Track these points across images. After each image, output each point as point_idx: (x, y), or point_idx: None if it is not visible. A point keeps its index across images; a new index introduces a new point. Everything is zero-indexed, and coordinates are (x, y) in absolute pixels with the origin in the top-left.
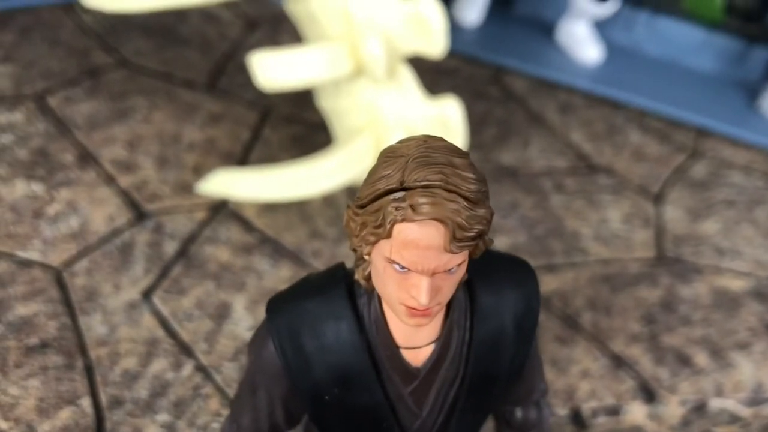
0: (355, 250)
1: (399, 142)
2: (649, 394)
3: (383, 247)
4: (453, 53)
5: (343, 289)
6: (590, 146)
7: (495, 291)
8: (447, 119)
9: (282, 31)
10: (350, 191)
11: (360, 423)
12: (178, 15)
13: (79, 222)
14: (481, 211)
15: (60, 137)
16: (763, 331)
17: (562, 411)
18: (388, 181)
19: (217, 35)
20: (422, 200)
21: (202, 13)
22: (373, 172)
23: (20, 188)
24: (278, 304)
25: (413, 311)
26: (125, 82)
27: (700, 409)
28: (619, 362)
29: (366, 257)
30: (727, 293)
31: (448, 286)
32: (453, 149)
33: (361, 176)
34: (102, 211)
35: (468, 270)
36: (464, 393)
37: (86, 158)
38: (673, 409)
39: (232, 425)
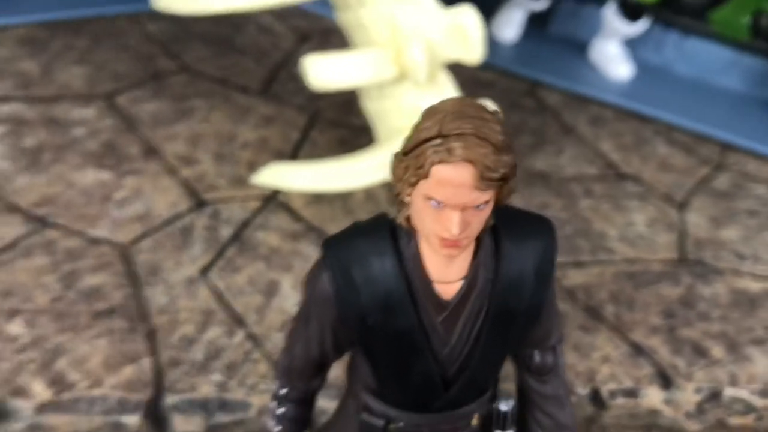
0: (398, 195)
1: (438, 102)
2: (665, 380)
3: (422, 187)
4: (491, 67)
5: (387, 231)
6: (619, 156)
7: (518, 239)
8: None
9: (331, 43)
10: (390, 187)
11: (398, 346)
12: (235, 26)
13: (143, 206)
14: (506, 158)
15: (127, 132)
16: None
17: (582, 391)
18: (429, 131)
19: (271, 46)
20: (456, 145)
21: (257, 25)
22: (416, 126)
23: (91, 175)
24: (332, 243)
25: (446, 242)
26: (186, 85)
27: (714, 397)
28: (638, 350)
29: (407, 199)
30: (745, 294)
31: (476, 222)
32: (484, 107)
33: None
34: (165, 198)
35: (495, 220)
36: (488, 326)
37: (151, 152)
38: (689, 395)
39: (286, 357)
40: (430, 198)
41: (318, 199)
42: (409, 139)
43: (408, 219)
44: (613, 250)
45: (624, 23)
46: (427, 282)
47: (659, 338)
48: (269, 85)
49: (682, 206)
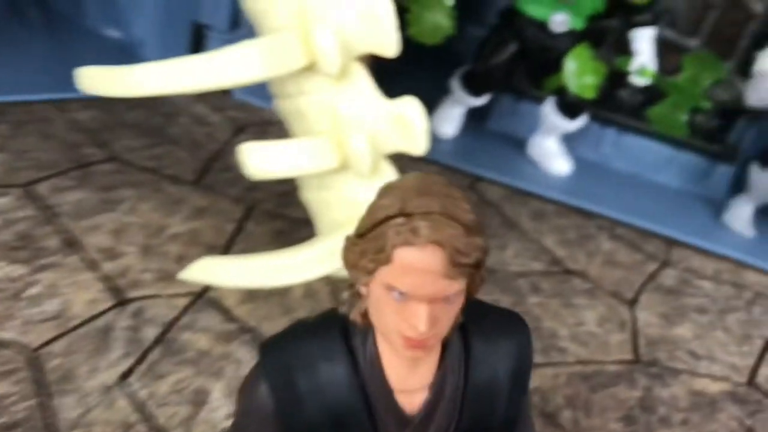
0: (351, 286)
1: (396, 179)
2: None
3: (383, 275)
4: (430, 161)
5: (338, 330)
6: (564, 251)
7: (489, 338)
8: None
9: (268, 134)
10: (331, 282)
11: None
12: (168, 117)
13: (59, 305)
14: (478, 240)
15: (46, 223)
16: None
17: None
18: (388, 210)
19: (206, 136)
20: (422, 224)
21: (192, 115)
22: (371, 205)
23: (1, 270)
24: (272, 346)
25: (411, 342)
26: (114, 174)
27: None
28: None
29: (363, 290)
30: (704, 396)
31: (446, 317)
32: (449, 184)
33: (341, 269)
34: (83, 295)
35: (463, 317)
36: None
37: (71, 244)
38: None
39: None
40: (392, 288)
41: (253, 296)
42: (364, 219)
43: (364, 314)
44: (566, 350)
45: (562, 120)
46: (387, 391)
47: None
48: (203, 176)
49: (632, 304)
